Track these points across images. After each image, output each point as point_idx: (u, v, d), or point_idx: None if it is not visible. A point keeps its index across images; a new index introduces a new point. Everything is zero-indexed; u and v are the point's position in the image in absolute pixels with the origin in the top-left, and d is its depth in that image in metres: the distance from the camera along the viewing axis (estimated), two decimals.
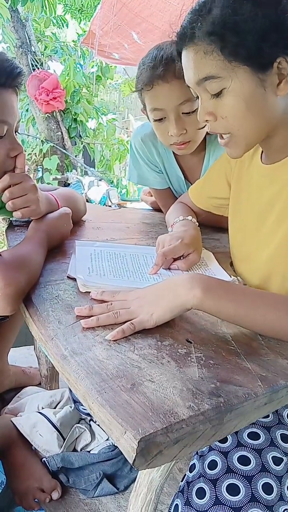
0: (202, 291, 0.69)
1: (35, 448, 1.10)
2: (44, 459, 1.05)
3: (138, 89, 1.18)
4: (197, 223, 1.10)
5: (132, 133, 1.49)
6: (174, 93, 1.11)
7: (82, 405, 1.11)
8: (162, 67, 1.09)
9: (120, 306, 0.75)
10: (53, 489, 1.01)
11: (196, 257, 0.97)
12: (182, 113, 1.14)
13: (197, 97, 0.84)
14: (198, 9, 0.76)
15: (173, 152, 1.36)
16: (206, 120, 0.82)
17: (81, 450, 1.10)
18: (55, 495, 1.00)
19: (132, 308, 0.73)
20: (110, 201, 4.12)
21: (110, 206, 3.93)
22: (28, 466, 1.06)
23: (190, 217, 1.10)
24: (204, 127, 1.14)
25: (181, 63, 0.83)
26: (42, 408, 1.16)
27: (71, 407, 1.16)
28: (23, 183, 0.96)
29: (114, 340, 0.68)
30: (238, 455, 0.74)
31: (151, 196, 1.62)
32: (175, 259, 0.97)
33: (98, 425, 1.13)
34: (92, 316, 0.73)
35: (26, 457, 1.08)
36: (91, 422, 1.14)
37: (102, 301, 0.78)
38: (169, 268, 0.96)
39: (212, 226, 1.28)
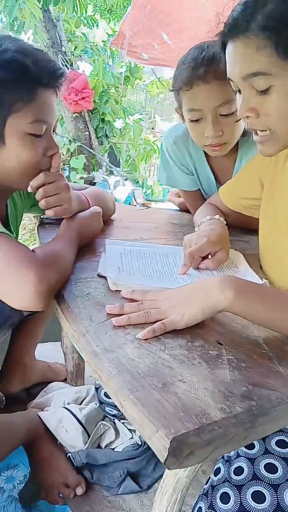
0: (234, 293, 0.69)
1: (60, 443, 1.11)
2: (69, 454, 1.06)
3: (176, 88, 1.17)
4: (225, 222, 1.09)
5: (163, 135, 1.49)
6: (213, 95, 1.10)
7: (108, 406, 1.12)
8: (203, 68, 1.08)
9: (150, 305, 0.75)
10: (78, 485, 1.02)
11: (224, 255, 0.97)
12: (220, 115, 1.13)
13: (237, 92, 0.82)
14: (253, 0, 0.74)
15: (205, 154, 1.36)
16: (247, 116, 0.80)
17: (105, 447, 1.10)
18: (80, 490, 1.01)
19: (163, 308, 0.73)
20: (135, 201, 4.14)
21: (135, 206, 3.94)
22: (53, 460, 1.08)
23: (217, 216, 1.10)
24: (238, 120, 1.13)
25: (222, 63, 0.82)
26: (68, 404, 1.17)
27: (96, 404, 1.16)
28: (57, 182, 0.97)
29: (144, 339, 0.68)
30: (265, 463, 0.73)
31: (179, 197, 1.62)
32: (203, 258, 0.97)
33: (123, 423, 1.13)
34: (122, 314, 0.73)
35: (51, 451, 1.09)
36: (116, 420, 1.15)
37: (133, 300, 0.79)
38: (198, 268, 0.96)
39: (242, 227, 1.27)
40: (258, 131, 0.82)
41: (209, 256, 0.97)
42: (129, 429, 1.12)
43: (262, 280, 0.94)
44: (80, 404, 1.19)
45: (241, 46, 0.75)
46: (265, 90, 0.75)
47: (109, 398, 1.11)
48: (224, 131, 1.16)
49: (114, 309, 0.75)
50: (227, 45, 0.79)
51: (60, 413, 1.12)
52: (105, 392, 1.12)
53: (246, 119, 0.81)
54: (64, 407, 1.14)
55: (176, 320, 0.71)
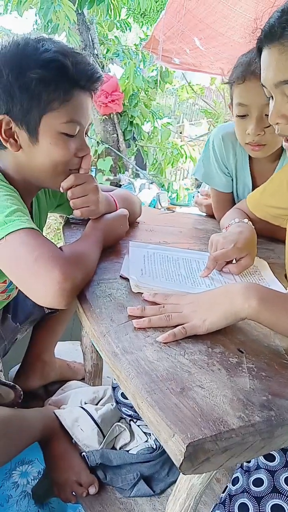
0: (258, 302, 0.68)
1: (75, 442, 1.12)
2: (83, 453, 1.07)
3: (230, 82, 1.18)
4: (253, 226, 1.08)
5: (214, 130, 1.49)
6: (262, 91, 1.09)
7: (124, 406, 1.12)
8: (257, 64, 1.09)
9: (172, 309, 0.75)
10: (91, 484, 1.03)
11: (249, 261, 0.96)
12: (266, 114, 1.13)
13: (270, 98, 0.81)
14: None
15: (248, 157, 1.35)
16: (277, 123, 0.80)
17: (120, 448, 1.10)
18: (92, 490, 1.02)
19: (185, 313, 0.73)
20: (160, 204, 4.14)
21: (160, 209, 3.94)
22: (68, 458, 1.08)
23: (246, 220, 1.09)
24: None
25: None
26: (85, 403, 1.18)
27: (112, 405, 1.17)
28: (86, 184, 0.98)
29: (164, 343, 0.68)
30: (285, 476, 0.72)
31: (206, 199, 1.61)
32: (227, 262, 0.96)
33: (138, 425, 1.13)
34: (144, 317, 0.73)
35: (66, 449, 1.10)
36: (131, 422, 1.15)
37: (155, 303, 0.79)
38: (221, 270, 0.96)
39: (265, 236, 1.25)
40: None
41: (234, 261, 0.97)
42: (144, 432, 1.12)
43: (287, 289, 0.93)
44: (97, 404, 1.19)
45: (275, 52, 0.74)
46: None
47: (126, 398, 1.11)
48: (266, 131, 1.15)
49: (135, 311, 0.75)
50: (262, 51, 0.78)
51: (77, 412, 1.13)
52: (122, 392, 1.12)
53: (276, 125, 0.80)
54: (81, 407, 1.15)
55: (197, 325, 0.70)
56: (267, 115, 1.11)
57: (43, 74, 0.87)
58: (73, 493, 1.04)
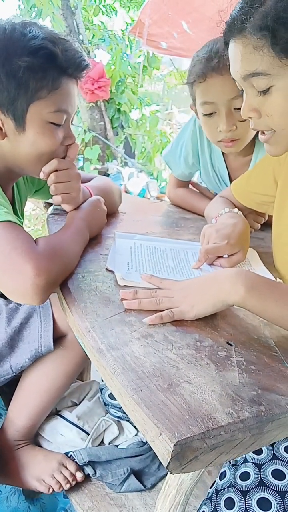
0: (246, 289, 0.67)
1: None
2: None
3: (190, 82, 1.14)
4: (244, 216, 1.06)
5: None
6: (227, 87, 1.05)
7: (112, 408, 1.11)
8: (217, 59, 1.05)
9: (164, 294, 0.75)
10: (77, 470, 1.00)
11: (241, 257, 0.94)
12: (234, 108, 1.09)
13: (242, 91, 0.79)
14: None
15: (222, 151, 1.32)
16: (250, 117, 0.78)
17: (109, 443, 1.09)
18: (80, 475, 0.99)
19: (175, 298, 0.73)
20: (149, 193, 4.09)
21: (149, 199, 3.90)
22: (48, 450, 1.05)
23: (236, 210, 1.06)
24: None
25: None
26: (72, 402, 1.17)
27: (89, 401, 1.15)
28: (69, 170, 0.96)
29: (151, 325, 0.69)
30: (272, 469, 0.72)
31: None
32: (219, 256, 0.94)
33: (128, 420, 1.12)
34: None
35: (40, 448, 1.07)
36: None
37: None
38: (212, 264, 0.94)
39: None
40: (264, 131, 0.79)
41: (225, 255, 0.94)
42: (134, 426, 1.10)
43: (276, 279, 0.91)
44: (83, 400, 1.17)
45: (239, 45, 0.72)
46: (265, 90, 0.73)
47: (113, 399, 1.10)
48: (238, 125, 1.12)
49: (128, 295, 0.75)
50: (229, 44, 0.76)
51: (52, 420, 1.11)
52: (109, 394, 1.11)
53: (250, 119, 0.78)
54: (56, 414, 1.14)
55: (185, 311, 0.71)
56: (236, 109, 1.08)
57: (31, 62, 0.84)
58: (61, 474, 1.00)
